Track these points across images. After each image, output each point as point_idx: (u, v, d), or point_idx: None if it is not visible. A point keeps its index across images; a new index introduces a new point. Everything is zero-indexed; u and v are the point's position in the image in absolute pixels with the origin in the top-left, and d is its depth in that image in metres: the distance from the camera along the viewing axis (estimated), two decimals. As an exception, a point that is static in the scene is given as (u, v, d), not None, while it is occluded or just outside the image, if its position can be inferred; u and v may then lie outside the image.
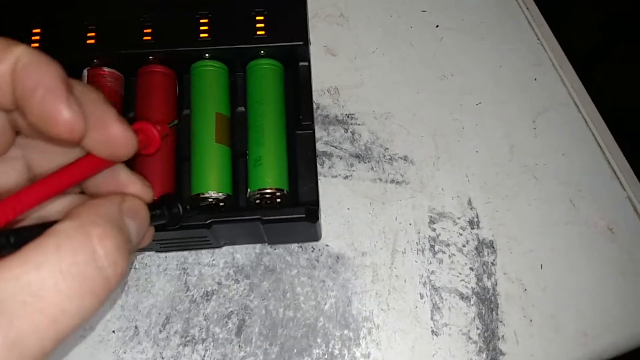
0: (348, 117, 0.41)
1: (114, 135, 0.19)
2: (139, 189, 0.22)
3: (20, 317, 0.14)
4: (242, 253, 0.38)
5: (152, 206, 0.22)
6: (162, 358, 0.35)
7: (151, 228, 0.23)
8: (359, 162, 0.40)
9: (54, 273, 0.15)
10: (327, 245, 0.38)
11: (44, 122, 0.17)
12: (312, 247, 0.38)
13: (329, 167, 0.40)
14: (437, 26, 0.44)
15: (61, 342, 0.15)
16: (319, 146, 0.40)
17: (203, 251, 0.38)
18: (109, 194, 0.20)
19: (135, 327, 0.36)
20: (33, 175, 0.22)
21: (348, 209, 0.39)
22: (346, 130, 0.41)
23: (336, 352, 0.35)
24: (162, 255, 0.37)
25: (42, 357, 0.15)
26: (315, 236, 0.37)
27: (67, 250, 0.15)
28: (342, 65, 0.43)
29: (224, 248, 0.38)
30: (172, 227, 0.26)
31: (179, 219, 0.26)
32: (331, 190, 0.39)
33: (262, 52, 0.37)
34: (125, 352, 0.35)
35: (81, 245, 0.16)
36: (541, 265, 0.38)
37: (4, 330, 0.14)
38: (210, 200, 0.34)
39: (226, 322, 0.36)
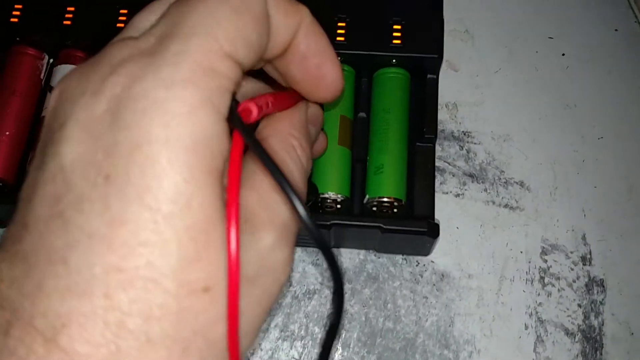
0: (464, 134, 0.41)
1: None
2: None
3: (291, 223, 0.17)
4: (346, 257, 0.38)
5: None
6: (261, 349, 0.35)
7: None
8: (472, 182, 0.39)
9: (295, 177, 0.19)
10: (432, 262, 0.38)
11: (313, 83, 0.20)
12: (417, 261, 0.38)
13: (440, 183, 0.40)
14: (563, 54, 0.43)
15: None
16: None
17: (308, 249, 0.38)
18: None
19: (238, 315, 0.36)
20: None
21: (457, 227, 0.38)
22: (461, 148, 0.40)
23: (434, 370, 0.35)
24: (269, 248, 0.38)
25: None
26: (428, 251, 0.36)
27: (291, 161, 0.19)
28: (462, 81, 0.42)
29: (329, 249, 0.38)
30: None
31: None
32: (441, 207, 0.39)
33: (394, 60, 0.37)
34: (225, 339, 0.36)
35: (293, 155, 0.19)
36: (651, 313, 0.37)
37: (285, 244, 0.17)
38: (329, 200, 0.35)
39: (326, 322, 0.36)
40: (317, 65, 0.20)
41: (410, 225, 0.33)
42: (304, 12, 0.19)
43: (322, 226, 0.33)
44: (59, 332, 0.13)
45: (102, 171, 0.14)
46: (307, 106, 0.22)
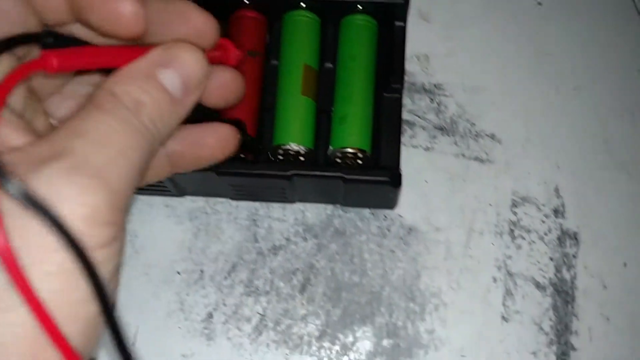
0: (436, 87, 0.40)
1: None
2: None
3: (93, 153, 0.16)
4: (313, 212, 0.37)
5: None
6: (225, 305, 0.35)
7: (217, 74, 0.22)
8: (443, 135, 0.38)
9: (111, 124, 0.17)
10: (400, 216, 0.37)
11: (113, 23, 0.18)
12: (385, 215, 0.37)
13: (410, 137, 0.39)
14: (540, 4, 0.42)
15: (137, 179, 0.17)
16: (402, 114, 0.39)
17: (274, 205, 0.37)
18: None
19: (201, 270, 0.35)
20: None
21: (426, 181, 0.37)
22: (432, 101, 0.39)
23: (400, 323, 0.34)
24: (234, 203, 0.37)
25: (128, 191, 0.17)
26: (393, 203, 0.35)
27: (104, 104, 0.17)
28: (435, 32, 0.41)
29: (295, 205, 0.37)
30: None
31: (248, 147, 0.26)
32: (410, 160, 0.38)
33: (359, 6, 0.35)
34: (188, 295, 0.35)
35: (118, 106, 0.17)
36: (625, 264, 0.36)
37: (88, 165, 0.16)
38: (291, 152, 0.34)
39: (291, 278, 0.35)
40: (104, 5, 0.19)
41: (372, 175, 0.32)
42: None
43: (282, 177, 0.32)
44: None
45: None
46: (162, 52, 0.19)
